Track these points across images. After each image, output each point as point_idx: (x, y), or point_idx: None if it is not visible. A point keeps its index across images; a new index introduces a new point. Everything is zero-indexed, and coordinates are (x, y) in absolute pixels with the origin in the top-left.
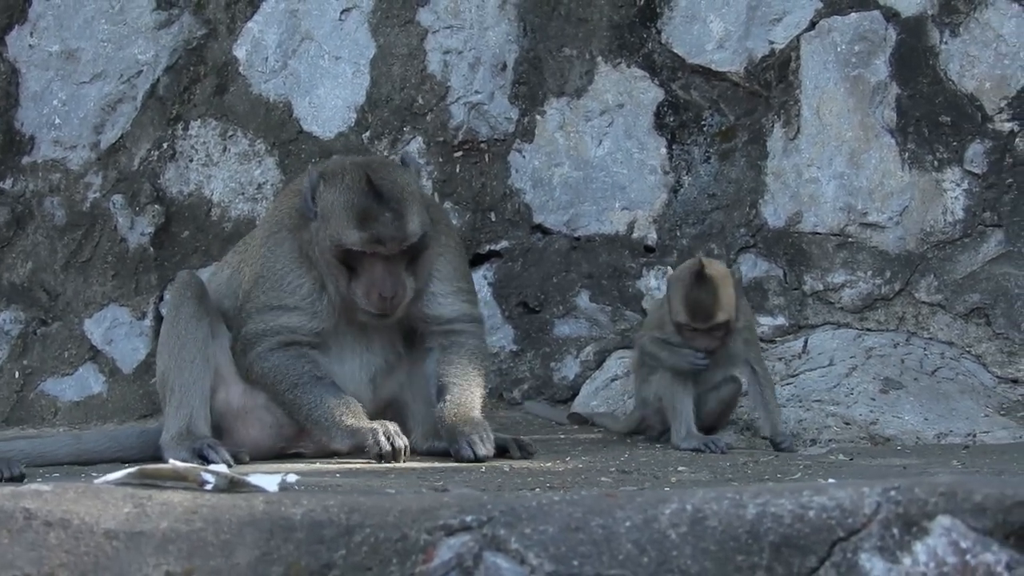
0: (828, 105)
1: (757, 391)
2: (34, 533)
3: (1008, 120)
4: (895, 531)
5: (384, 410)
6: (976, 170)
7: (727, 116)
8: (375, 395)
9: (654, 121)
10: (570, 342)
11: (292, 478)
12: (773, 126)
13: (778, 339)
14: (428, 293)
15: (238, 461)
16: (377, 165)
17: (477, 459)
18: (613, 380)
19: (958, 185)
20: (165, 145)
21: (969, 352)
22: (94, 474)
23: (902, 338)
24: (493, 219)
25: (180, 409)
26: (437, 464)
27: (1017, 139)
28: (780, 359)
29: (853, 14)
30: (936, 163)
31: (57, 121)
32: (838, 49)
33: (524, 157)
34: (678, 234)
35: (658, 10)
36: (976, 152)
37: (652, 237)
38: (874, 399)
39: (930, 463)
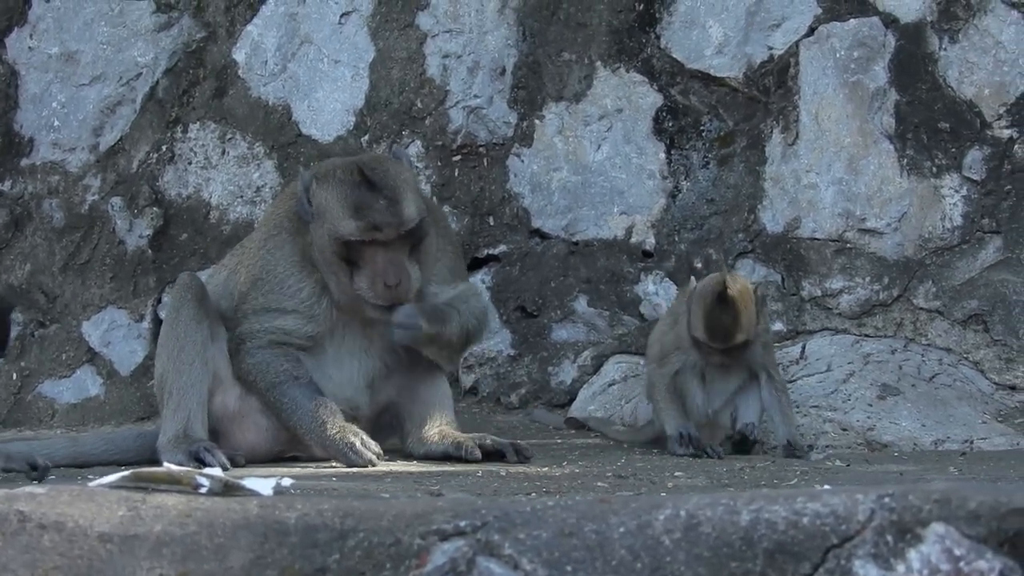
0: (827, 111)
1: (773, 397)
2: (28, 536)
3: (1007, 127)
4: (889, 538)
5: (381, 414)
6: (975, 177)
7: (726, 121)
8: (372, 399)
9: (653, 126)
10: (568, 347)
11: (287, 482)
12: (772, 132)
13: (776, 345)
14: (429, 295)
15: (234, 464)
16: (368, 159)
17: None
18: (611, 385)
19: (956, 191)
20: (164, 148)
21: (967, 359)
22: (90, 476)
23: (900, 344)
24: (491, 223)
25: (177, 412)
26: (434, 468)
27: (1016, 146)
28: (778, 365)
29: (852, 20)
30: (935, 169)
31: (56, 123)
32: (837, 55)
33: (523, 161)
34: (676, 239)
35: (657, 15)
36: (975, 159)
37: (650, 242)
38: (871, 405)
39: (927, 469)
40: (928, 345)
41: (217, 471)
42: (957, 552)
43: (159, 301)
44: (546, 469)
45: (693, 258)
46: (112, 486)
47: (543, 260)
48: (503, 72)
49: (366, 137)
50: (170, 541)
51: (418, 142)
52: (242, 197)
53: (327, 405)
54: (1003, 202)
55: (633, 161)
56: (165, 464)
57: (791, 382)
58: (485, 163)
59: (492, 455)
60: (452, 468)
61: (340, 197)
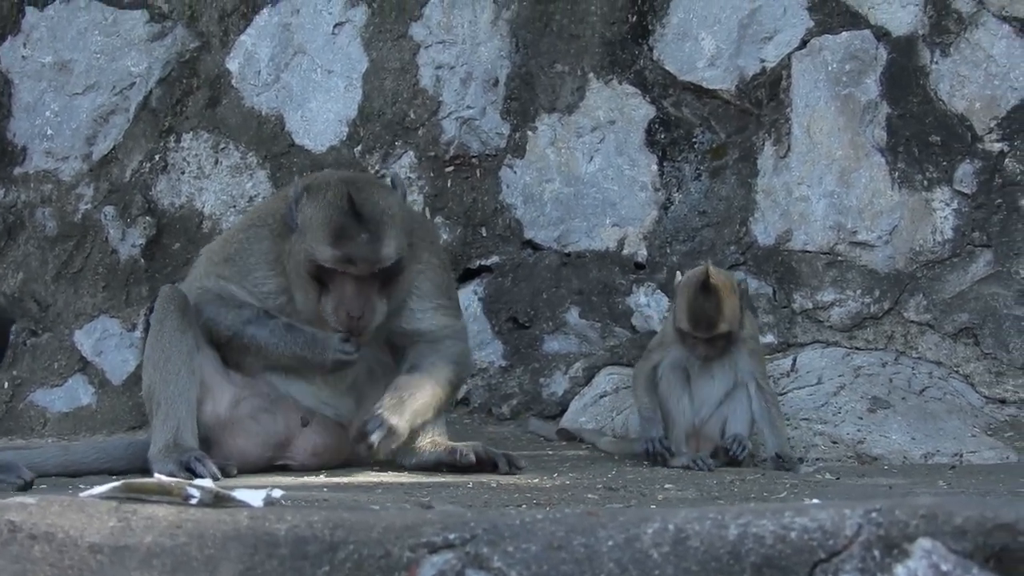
0: (819, 124)
1: (763, 408)
2: (18, 546)
3: (998, 140)
4: (876, 553)
5: None
6: (965, 190)
7: (718, 133)
8: (358, 405)
9: (645, 138)
10: (559, 358)
11: (277, 493)
12: (764, 144)
13: (767, 357)
14: (407, 310)
15: (225, 474)
16: (362, 183)
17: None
18: (602, 396)
19: (947, 205)
20: (157, 157)
21: (957, 372)
22: (83, 486)
23: (890, 357)
24: (484, 234)
25: (167, 422)
26: (424, 479)
27: (1007, 159)
28: (769, 377)
29: (844, 33)
30: (926, 183)
31: (49, 132)
32: (829, 68)
33: (515, 172)
34: (668, 251)
35: (650, 27)
36: (966, 172)
37: (642, 254)
38: (862, 418)
39: (916, 483)
40: (918, 358)
41: (208, 482)
42: (944, 567)
43: (151, 310)
44: (536, 481)
45: (685, 270)
46: (103, 496)
47: (535, 271)
48: (496, 83)
49: (359, 147)
50: (160, 552)
51: (411, 153)
52: (235, 207)
53: (296, 326)
54: (994, 216)
55: (625, 173)
56: (156, 475)
57: (782, 395)
58: (478, 174)
59: (485, 464)
60: (443, 479)
61: (324, 220)
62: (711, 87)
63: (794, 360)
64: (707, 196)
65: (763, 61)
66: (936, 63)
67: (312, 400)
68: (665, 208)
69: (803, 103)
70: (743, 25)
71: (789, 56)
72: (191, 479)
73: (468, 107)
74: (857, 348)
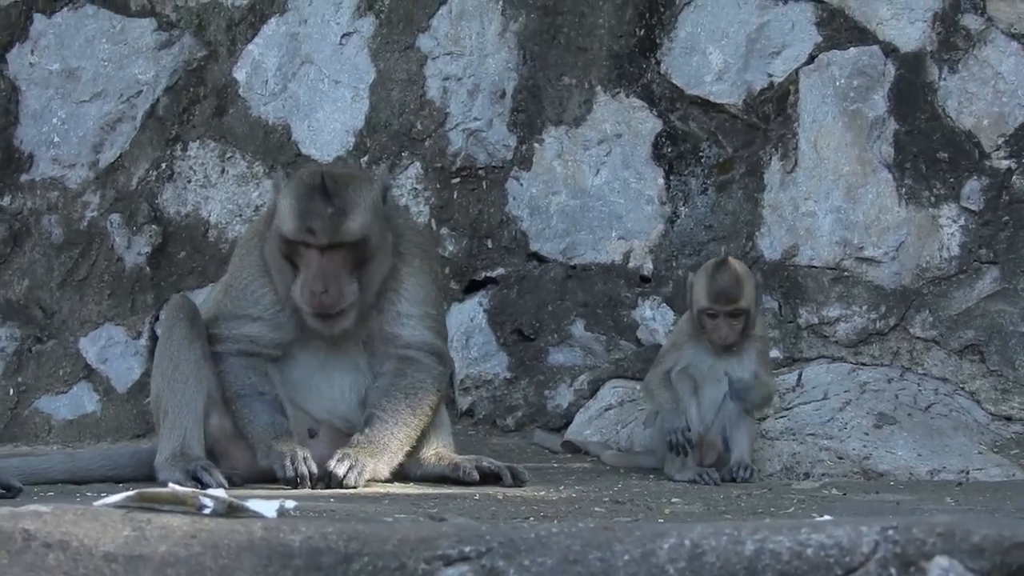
0: (826, 139)
1: (749, 394)
2: (33, 554)
3: (1005, 157)
4: (893, 571)
5: None
6: (972, 207)
7: (725, 148)
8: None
9: (652, 151)
10: (564, 370)
11: (290, 504)
12: (771, 159)
13: (773, 372)
14: (393, 312)
15: (231, 483)
16: (340, 171)
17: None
18: (607, 409)
19: (954, 221)
20: (163, 165)
21: (963, 389)
22: (89, 494)
23: (896, 373)
24: (489, 246)
25: (174, 431)
26: (430, 490)
27: (1014, 177)
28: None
29: (852, 49)
30: (933, 199)
31: (56, 139)
32: (837, 83)
33: (521, 185)
34: (674, 264)
35: (658, 41)
36: (973, 189)
37: (648, 267)
38: (867, 434)
39: (923, 500)
40: (924, 374)
41: (220, 492)
42: None
43: (157, 318)
44: (543, 493)
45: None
46: (117, 506)
47: (540, 283)
48: (503, 95)
49: (365, 158)
50: (175, 562)
51: (417, 164)
52: (241, 216)
53: (283, 425)
54: (1000, 233)
55: (632, 186)
56: (169, 484)
57: (787, 409)
58: (484, 186)
59: (488, 477)
60: (449, 491)
61: (293, 197)
62: (718, 101)
63: (800, 375)
64: (713, 210)
65: (771, 76)
66: (944, 80)
67: (322, 412)
68: (671, 222)
69: (810, 118)
70: (751, 40)
71: (797, 71)
72: (198, 488)
73: (475, 119)
74: (863, 364)
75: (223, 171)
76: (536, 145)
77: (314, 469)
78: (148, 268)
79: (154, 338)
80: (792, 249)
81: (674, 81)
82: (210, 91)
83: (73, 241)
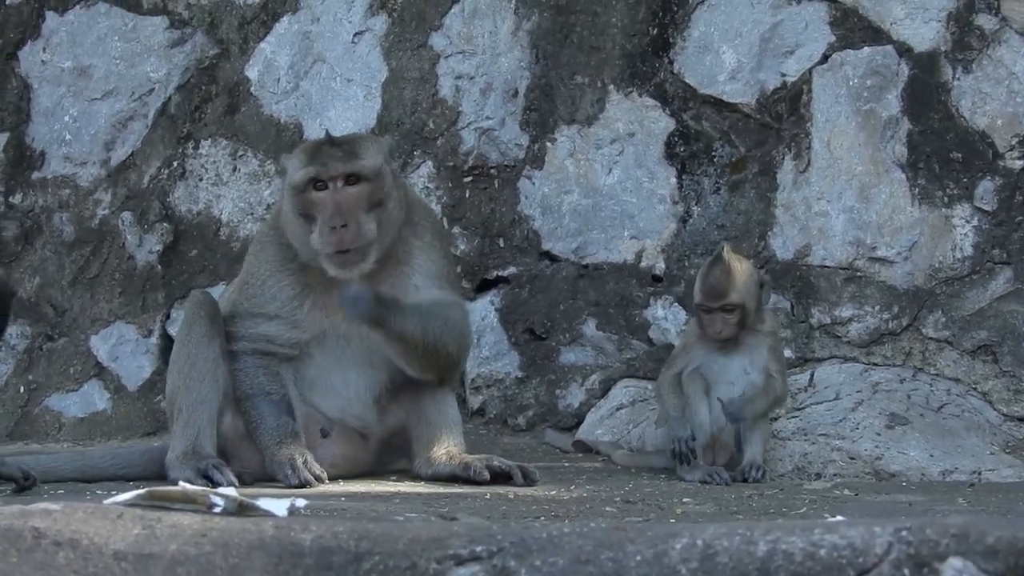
0: (839, 139)
1: (761, 395)
2: (43, 553)
3: (1019, 158)
4: (906, 572)
5: (392, 437)
6: (986, 207)
7: (738, 147)
8: (381, 419)
9: (664, 151)
10: (576, 370)
11: (301, 503)
12: (784, 158)
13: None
14: (411, 286)
15: (242, 482)
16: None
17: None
18: (618, 409)
19: (967, 222)
20: (175, 163)
21: (975, 389)
22: (99, 492)
23: (908, 374)
24: (501, 245)
25: (187, 429)
26: (441, 489)
27: None
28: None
29: (866, 48)
30: (946, 199)
31: (68, 137)
32: (850, 83)
33: (534, 184)
34: (686, 264)
35: (671, 40)
36: (986, 189)
37: (660, 267)
38: (880, 434)
39: (936, 500)
40: (937, 375)
41: (231, 491)
42: None
43: (168, 317)
44: (554, 493)
45: None
46: (127, 504)
47: (552, 283)
48: (515, 94)
49: None
50: (185, 560)
51: (429, 163)
52: (252, 214)
53: (291, 427)
54: (1014, 233)
55: (644, 185)
56: (180, 483)
57: (799, 409)
58: (496, 185)
59: (499, 477)
60: (460, 490)
61: (300, 151)
62: (731, 101)
63: (812, 375)
64: (726, 210)
65: (784, 75)
66: (958, 79)
67: (336, 411)
68: (684, 221)
69: (823, 118)
70: (764, 39)
71: (810, 71)
72: (209, 487)
73: (487, 118)
74: (875, 364)
75: (235, 169)
76: (548, 144)
77: (317, 471)
78: (159, 266)
79: (165, 336)
80: (805, 249)
81: (687, 80)
82: (222, 89)
83: (84, 239)
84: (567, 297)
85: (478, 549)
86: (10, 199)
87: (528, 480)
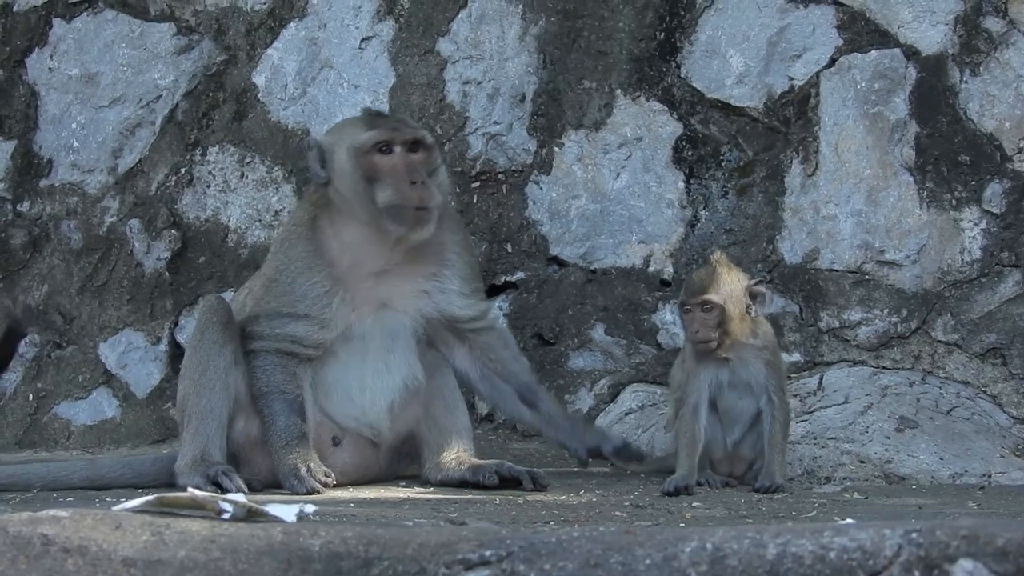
0: (847, 142)
1: (768, 423)
2: (52, 560)
3: None
4: (916, 574)
5: (402, 444)
6: (994, 210)
7: (745, 151)
8: (393, 425)
9: (672, 155)
10: (584, 375)
11: (310, 508)
12: (791, 162)
13: (793, 376)
14: (448, 291)
15: (251, 489)
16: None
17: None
18: (627, 414)
19: (976, 224)
20: (183, 170)
21: (985, 392)
22: (108, 499)
23: (918, 377)
24: (509, 250)
25: (197, 436)
26: (451, 495)
27: None
28: (795, 396)
29: (873, 52)
30: (954, 202)
31: (75, 144)
32: (858, 86)
33: (541, 189)
34: (694, 268)
35: (678, 44)
36: (994, 192)
37: (668, 271)
38: (889, 438)
39: (946, 503)
40: (946, 378)
41: (240, 497)
42: None
43: (176, 324)
44: (563, 498)
45: None
46: (136, 510)
47: (561, 288)
48: (523, 99)
49: None
50: (194, 567)
51: None
52: (260, 221)
53: (299, 428)
54: (1022, 235)
55: (652, 190)
56: (189, 489)
57: (808, 413)
58: (504, 190)
59: (509, 482)
60: (470, 496)
61: (355, 121)
62: (739, 105)
63: (821, 379)
64: (734, 214)
65: (791, 79)
66: (966, 82)
67: (351, 419)
68: (692, 225)
69: (831, 121)
70: (772, 43)
71: (818, 74)
72: (218, 493)
73: (495, 123)
74: (884, 367)
75: (242, 176)
76: (556, 149)
77: (322, 477)
78: (167, 273)
79: (174, 343)
80: (813, 252)
81: (694, 84)
82: (229, 96)
83: (92, 246)
84: (575, 302)
85: (487, 553)
86: (18, 207)
87: (537, 485)
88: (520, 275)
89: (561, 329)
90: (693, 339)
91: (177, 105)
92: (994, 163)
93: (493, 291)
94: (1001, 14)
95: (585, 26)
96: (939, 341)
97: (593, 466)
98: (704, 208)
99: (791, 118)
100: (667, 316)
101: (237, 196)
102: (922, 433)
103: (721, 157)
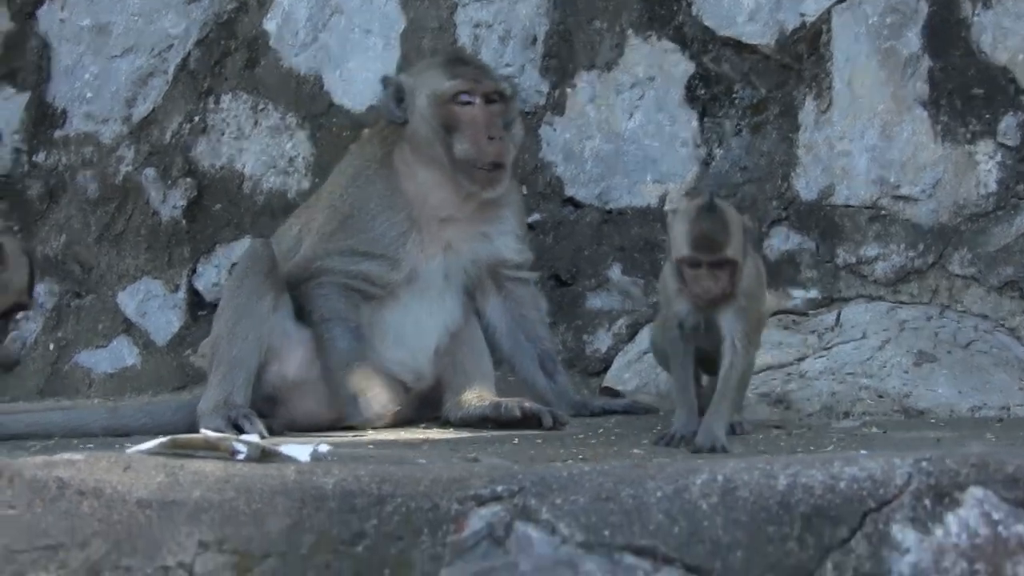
0: (860, 78)
1: (724, 370)
2: (67, 502)
3: None
4: (927, 502)
5: (430, 390)
6: (1009, 143)
7: (758, 89)
8: (433, 369)
9: (685, 94)
10: (602, 315)
11: (324, 448)
12: (805, 99)
13: (811, 312)
14: (505, 233)
15: (272, 433)
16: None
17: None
18: (645, 353)
19: (991, 158)
20: (196, 119)
21: (1003, 325)
22: (127, 444)
23: (935, 311)
24: (524, 192)
25: (223, 382)
26: (469, 435)
27: None
28: (813, 332)
29: None
30: (969, 136)
31: (89, 95)
32: (869, 21)
33: (555, 130)
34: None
35: None
36: (1009, 125)
37: None
38: (907, 372)
39: (964, 436)
40: (963, 312)
41: (254, 437)
42: (995, 516)
43: (194, 271)
44: (582, 436)
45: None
46: (150, 453)
47: (576, 228)
48: (534, 41)
49: None
50: (208, 507)
51: None
52: (275, 167)
53: (360, 352)
54: None
55: (666, 129)
56: (202, 430)
57: (827, 349)
58: None
59: (530, 419)
60: (488, 434)
61: (437, 65)
62: (751, 42)
63: (838, 315)
64: (748, 152)
65: (803, 15)
66: (978, 15)
67: (394, 363)
68: (706, 164)
69: (844, 57)
70: None
71: (829, 10)
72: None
73: (507, 65)
74: (902, 302)
75: (256, 123)
76: (568, 90)
77: (382, 410)
78: (184, 221)
79: (192, 291)
80: (828, 189)
81: (706, 23)
82: (241, 43)
83: (108, 196)
84: (592, 243)
85: (499, 489)
86: (33, 158)
87: (557, 423)
88: (536, 216)
89: (578, 270)
90: (704, 296)
91: (189, 54)
92: (1008, 96)
93: None
94: None
95: None
96: (956, 275)
97: None
98: (718, 146)
99: (803, 54)
100: None
101: (251, 143)
102: (940, 367)
103: (734, 95)
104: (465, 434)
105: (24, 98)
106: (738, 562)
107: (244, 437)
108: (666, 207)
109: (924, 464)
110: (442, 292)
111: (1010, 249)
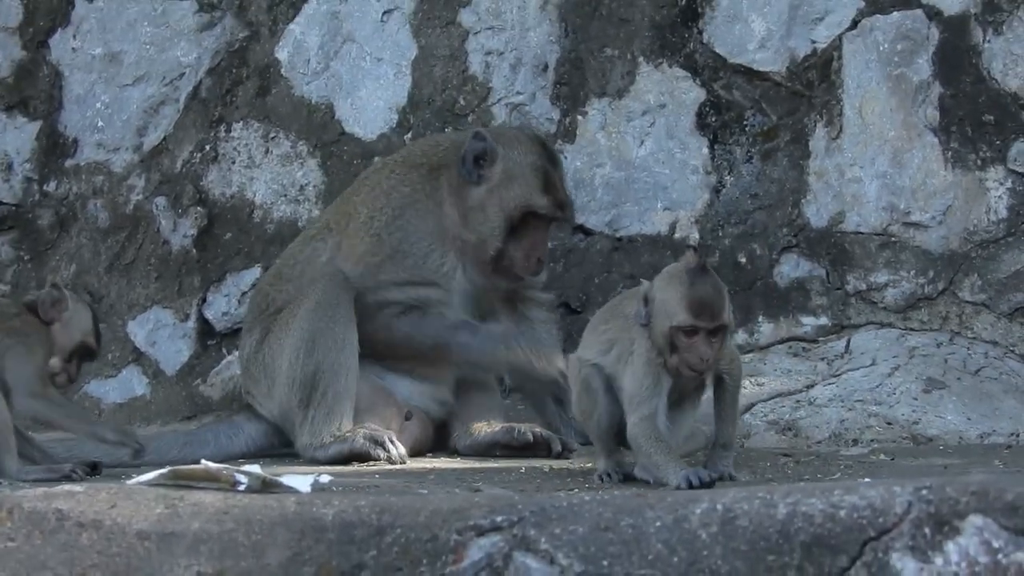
0: (870, 104)
1: (729, 392)
2: (66, 534)
3: None
4: (926, 530)
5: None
6: (1020, 169)
7: (769, 116)
8: (456, 399)
9: (696, 121)
10: None
11: (325, 479)
12: (815, 126)
13: (821, 339)
14: (532, 297)
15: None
16: (533, 133)
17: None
18: None
19: (1001, 184)
20: (207, 147)
21: (1013, 352)
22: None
23: (945, 338)
24: None
25: (332, 415)
26: (476, 464)
27: None
28: (823, 359)
29: (895, 13)
30: (979, 162)
31: (100, 124)
32: (880, 48)
33: (566, 158)
34: (720, 234)
35: (699, 10)
36: (1019, 151)
37: (694, 237)
38: (917, 399)
39: (972, 463)
40: (974, 338)
41: (255, 468)
42: (995, 544)
43: (204, 300)
44: (589, 465)
45: (737, 253)
46: (150, 484)
47: (587, 256)
48: (545, 68)
49: (409, 135)
50: (207, 538)
51: None
52: (286, 196)
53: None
54: None
55: (676, 156)
56: (202, 462)
57: (835, 377)
58: None
59: (541, 443)
60: (495, 465)
61: (532, 167)
62: (762, 69)
63: (848, 342)
64: (759, 179)
65: (814, 42)
66: (988, 42)
67: (417, 396)
68: (717, 191)
69: (855, 84)
70: (793, 6)
71: (840, 37)
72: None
73: (518, 92)
74: (911, 329)
75: (267, 151)
76: (579, 117)
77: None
78: (194, 250)
79: (202, 320)
80: (839, 216)
81: (717, 50)
82: (252, 71)
83: (119, 225)
84: (602, 270)
85: (499, 519)
86: (44, 187)
87: (566, 450)
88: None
89: (588, 297)
90: (699, 367)
91: (200, 82)
92: (1018, 122)
93: None
94: None
95: None
96: (966, 301)
97: None
98: (729, 174)
99: (814, 81)
100: None
101: (262, 172)
102: (950, 394)
103: (745, 122)
104: (473, 464)
105: (35, 127)
106: None
107: (245, 468)
108: (642, 283)
109: (924, 492)
110: (473, 316)
111: (1020, 275)
